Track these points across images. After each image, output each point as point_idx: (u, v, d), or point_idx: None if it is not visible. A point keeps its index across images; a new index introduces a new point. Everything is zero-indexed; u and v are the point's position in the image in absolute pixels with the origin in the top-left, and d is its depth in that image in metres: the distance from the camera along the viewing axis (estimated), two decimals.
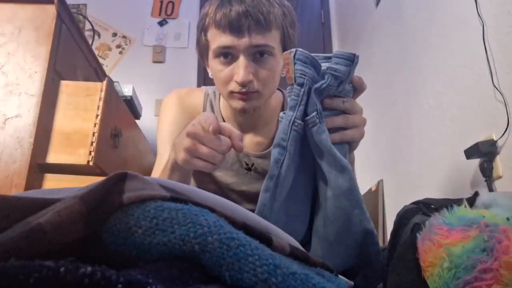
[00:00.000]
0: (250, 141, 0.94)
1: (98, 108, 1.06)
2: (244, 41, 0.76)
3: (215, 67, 0.81)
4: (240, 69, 0.77)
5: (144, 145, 1.64)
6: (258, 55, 0.79)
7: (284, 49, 0.82)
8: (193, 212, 0.31)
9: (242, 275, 0.28)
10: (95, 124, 1.04)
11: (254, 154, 0.93)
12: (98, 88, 1.09)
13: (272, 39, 0.79)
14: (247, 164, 0.94)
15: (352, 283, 0.45)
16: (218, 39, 0.78)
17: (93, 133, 1.03)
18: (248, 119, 0.92)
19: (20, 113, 0.98)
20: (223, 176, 0.94)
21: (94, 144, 1.02)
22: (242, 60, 0.77)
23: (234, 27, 0.75)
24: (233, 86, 0.79)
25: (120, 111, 1.24)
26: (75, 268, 0.22)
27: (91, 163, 1.00)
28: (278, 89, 0.96)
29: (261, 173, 0.93)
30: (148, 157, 1.69)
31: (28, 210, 0.29)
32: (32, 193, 0.37)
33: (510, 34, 1.01)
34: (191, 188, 0.39)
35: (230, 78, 0.79)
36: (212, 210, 0.33)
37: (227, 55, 0.79)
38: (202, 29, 0.82)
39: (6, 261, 0.22)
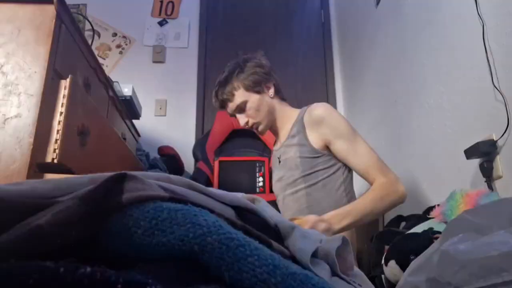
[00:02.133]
0: (279, 141, 1.44)
1: (62, 106, 1.04)
2: (228, 110, 1.40)
3: None
4: (239, 120, 1.39)
5: (121, 146, 1.59)
6: (240, 110, 1.36)
7: (254, 89, 1.34)
8: (193, 212, 0.31)
9: (241, 275, 0.28)
10: (59, 121, 1.03)
11: (280, 147, 1.40)
12: (61, 85, 1.08)
13: (239, 97, 1.34)
14: (278, 158, 1.40)
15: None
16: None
17: (57, 131, 1.02)
18: (274, 131, 1.45)
19: (19, 113, 0.98)
20: (273, 173, 1.47)
21: (59, 142, 1.01)
22: (237, 116, 1.39)
23: (220, 107, 1.44)
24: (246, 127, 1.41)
25: (88, 109, 1.22)
26: (74, 268, 0.22)
27: (55, 161, 0.99)
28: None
29: (282, 161, 1.37)
30: (125, 158, 1.62)
31: (28, 211, 0.29)
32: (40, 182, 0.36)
33: (510, 34, 1.01)
34: (188, 191, 0.39)
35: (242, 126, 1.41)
36: (211, 210, 0.33)
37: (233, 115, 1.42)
38: None
39: (6, 261, 0.22)
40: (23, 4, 1.06)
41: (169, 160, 2.19)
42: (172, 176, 0.42)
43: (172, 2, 2.88)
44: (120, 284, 0.22)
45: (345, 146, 1.24)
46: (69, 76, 1.09)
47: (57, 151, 0.99)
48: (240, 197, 0.45)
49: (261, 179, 1.95)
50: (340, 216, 1.10)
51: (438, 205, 1.00)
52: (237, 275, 0.28)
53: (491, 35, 1.08)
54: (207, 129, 2.42)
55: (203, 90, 2.70)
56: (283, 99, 1.43)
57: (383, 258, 0.88)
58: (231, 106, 1.36)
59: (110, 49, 2.75)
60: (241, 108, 1.35)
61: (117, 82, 1.66)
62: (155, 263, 0.29)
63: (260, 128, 1.37)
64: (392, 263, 0.82)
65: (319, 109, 1.29)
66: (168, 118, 2.62)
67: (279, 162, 1.38)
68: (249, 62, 1.37)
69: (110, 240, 0.30)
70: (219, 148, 2.24)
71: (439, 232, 0.82)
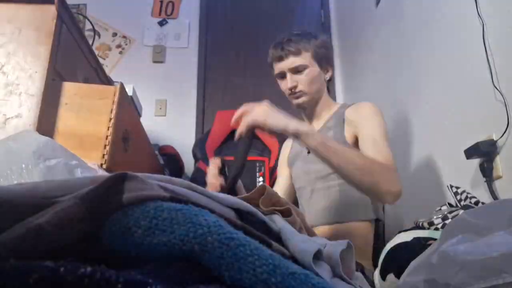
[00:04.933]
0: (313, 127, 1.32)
1: (111, 112, 1.06)
2: (284, 65, 1.27)
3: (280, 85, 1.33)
4: (287, 80, 1.28)
5: (148, 146, 1.64)
6: (295, 71, 1.27)
7: (319, 61, 1.29)
8: (193, 212, 0.31)
9: (241, 275, 0.28)
10: (108, 127, 1.05)
11: None
12: (111, 92, 1.09)
13: (304, 59, 1.26)
14: (307, 149, 1.27)
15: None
16: (275, 67, 1.31)
17: (106, 137, 1.04)
18: (309, 113, 1.36)
19: (20, 113, 0.98)
20: (296, 163, 1.38)
21: (108, 148, 1.02)
22: (288, 75, 1.28)
23: (278, 58, 1.28)
24: (287, 92, 1.30)
25: (130, 114, 1.24)
26: (74, 268, 0.22)
27: (104, 166, 1.00)
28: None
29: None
30: (150, 158, 1.68)
31: (28, 211, 0.29)
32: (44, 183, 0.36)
33: (510, 34, 1.01)
34: (191, 193, 0.39)
35: (285, 88, 1.30)
36: (211, 211, 0.33)
37: (282, 75, 1.31)
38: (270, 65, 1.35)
39: (6, 261, 0.22)
40: (24, 4, 1.06)
41: (169, 159, 2.19)
42: (173, 178, 0.42)
43: (172, 2, 2.88)
44: (120, 284, 0.22)
45: (369, 132, 1.16)
46: (120, 83, 1.11)
47: (105, 156, 1.01)
48: (240, 200, 0.45)
49: (261, 179, 1.95)
50: (317, 136, 0.97)
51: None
52: (237, 275, 0.28)
53: (491, 35, 1.08)
54: (207, 129, 2.42)
55: (203, 90, 2.70)
56: (329, 90, 1.40)
57: (378, 272, 0.87)
58: (291, 61, 1.26)
59: (110, 49, 2.75)
60: (298, 70, 1.26)
61: (117, 82, 1.66)
62: (155, 263, 0.29)
63: (302, 99, 1.29)
64: (391, 277, 0.81)
65: (365, 106, 1.26)
66: (168, 118, 2.62)
67: (309, 152, 1.30)
68: (321, 37, 1.33)
69: (111, 239, 0.30)
70: (218, 148, 2.24)
71: (432, 239, 0.81)
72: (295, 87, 1.27)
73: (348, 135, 1.23)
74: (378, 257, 0.89)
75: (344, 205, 1.21)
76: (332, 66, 1.35)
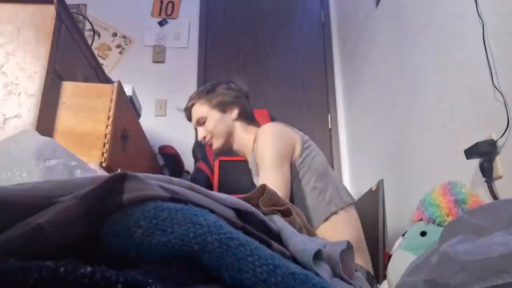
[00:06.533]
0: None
1: (109, 110, 1.06)
2: (192, 122, 1.50)
3: None
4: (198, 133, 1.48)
5: (146, 145, 1.64)
6: (199, 123, 1.46)
7: (218, 108, 1.44)
8: (193, 212, 0.31)
9: (241, 275, 0.28)
10: (107, 126, 1.05)
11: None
12: (109, 90, 1.09)
13: (202, 112, 1.45)
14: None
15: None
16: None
17: (105, 135, 1.04)
18: (239, 152, 1.51)
19: (19, 113, 0.98)
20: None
21: (107, 146, 1.02)
22: (198, 129, 1.48)
23: (187, 119, 1.55)
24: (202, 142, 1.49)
25: (128, 112, 1.25)
26: (74, 268, 0.22)
27: (103, 165, 1.01)
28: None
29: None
30: (149, 157, 1.69)
31: (28, 211, 0.29)
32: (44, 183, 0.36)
33: (510, 34, 1.01)
34: (191, 193, 0.39)
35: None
36: (211, 211, 0.33)
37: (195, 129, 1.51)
38: None
39: (6, 261, 0.22)
40: (24, 4, 1.06)
41: (169, 159, 2.19)
42: (173, 178, 0.42)
43: (172, 2, 2.88)
44: (120, 284, 0.22)
45: (260, 176, 1.28)
46: (117, 81, 1.11)
47: (105, 155, 1.01)
48: (240, 200, 0.45)
49: None
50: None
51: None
52: (237, 275, 0.28)
53: (491, 35, 1.08)
54: None
55: None
56: (250, 123, 1.48)
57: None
58: (193, 117, 1.47)
59: (110, 49, 2.75)
60: (200, 123, 1.45)
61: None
62: (155, 263, 0.29)
63: (214, 146, 1.44)
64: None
65: (257, 137, 1.35)
66: (168, 118, 2.62)
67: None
68: (222, 84, 1.50)
69: (111, 239, 0.30)
70: None
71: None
72: (204, 137, 1.45)
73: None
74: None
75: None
76: (236, 105, 1.46)
